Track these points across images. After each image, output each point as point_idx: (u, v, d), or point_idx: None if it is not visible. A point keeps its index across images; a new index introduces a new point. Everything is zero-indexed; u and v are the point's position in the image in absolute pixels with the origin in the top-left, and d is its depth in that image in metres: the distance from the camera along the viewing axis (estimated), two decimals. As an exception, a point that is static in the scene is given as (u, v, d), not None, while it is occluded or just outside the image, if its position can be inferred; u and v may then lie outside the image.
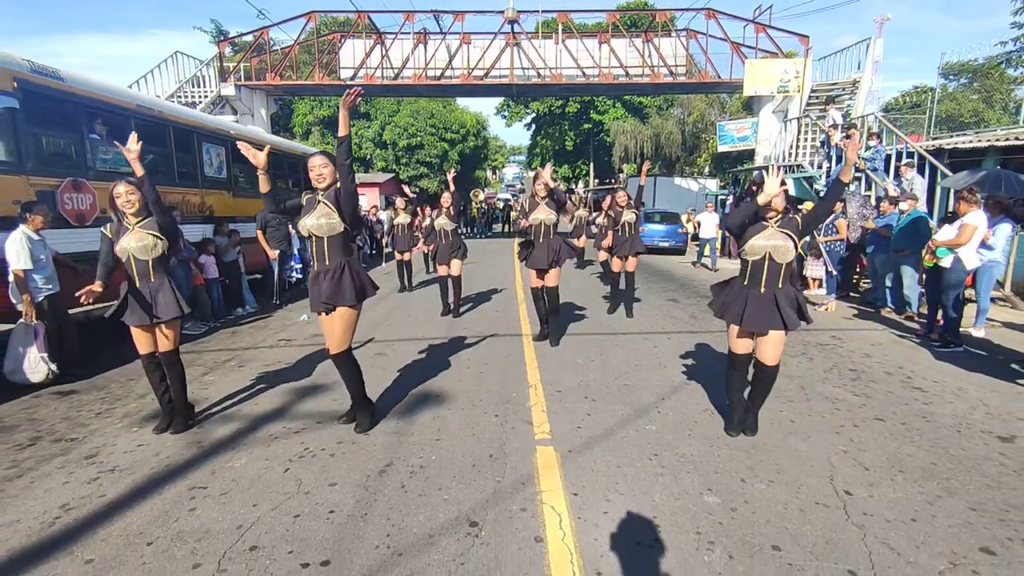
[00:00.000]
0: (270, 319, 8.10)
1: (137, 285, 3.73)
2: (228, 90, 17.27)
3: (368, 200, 23.14)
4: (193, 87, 17.31)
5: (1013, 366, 5.37)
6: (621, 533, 2.61)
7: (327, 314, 3.65)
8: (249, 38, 18.74)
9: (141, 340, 3.82)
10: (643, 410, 4.19)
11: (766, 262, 3.42)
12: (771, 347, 3.49)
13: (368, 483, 3.10)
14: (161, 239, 3.74)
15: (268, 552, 2.49)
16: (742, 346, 3.63)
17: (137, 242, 3.67)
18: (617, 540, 2.56)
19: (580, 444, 3.59)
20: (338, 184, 3.57)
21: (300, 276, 10.33)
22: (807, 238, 10.20)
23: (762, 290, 3.44)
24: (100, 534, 2.67)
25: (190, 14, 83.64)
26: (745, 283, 3.53)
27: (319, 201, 3.57)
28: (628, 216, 7.73)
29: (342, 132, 3.41)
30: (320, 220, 3.53)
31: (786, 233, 3.37)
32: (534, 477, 3.15)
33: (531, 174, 63.28)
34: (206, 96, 17.10)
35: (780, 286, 3.43)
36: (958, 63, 26.56)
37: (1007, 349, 6.04)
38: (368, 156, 32.79)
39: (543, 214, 5.93)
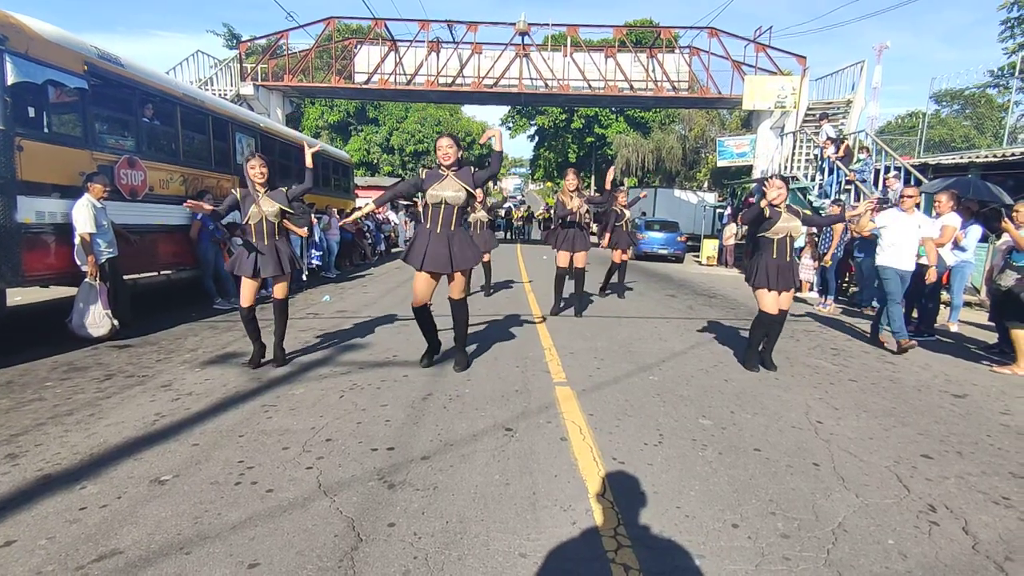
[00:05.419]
0: (294, 300, 8.60)
1: (261, 243, 4.48)
2: (247, 89, 17.92)
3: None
4: (205, 86, 17.91)
5: (976, 351, 5.95)
6: (630, 437, 3.17)
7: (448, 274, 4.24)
8: (263, 41, 19.45)
9: (248, 291, 4.54)
10: (646, 367, 4.76)
11: (787, 239, 4.60)
12: (788, 299, 4.76)
13: (414, 404, 3.65)
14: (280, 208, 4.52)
15: (341, 442, 3.04)
16: (774, 307, 4.67)
17: (267, 207, 4.41)
18: (627, 441, 3.12)
19: (593, 386, 4.15)
20: (473, 169, 4.29)
21: (319, 263, 10.92)
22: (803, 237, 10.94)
23: (787, 259, 4.63)
24: (196, 431, 3.21)
25: (198, 16, 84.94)
26: (774, 256, 4.60)
27: (448, 176, 4.13)
28: (629, 214, 8.43)
29: (498, 148, 4.23)
30: (458, 192, 4.11)
31: (794, 213, 4.70)
32: (555, 404, 3.71)
33: (532, 186, 66.82)
34: (215, 94, 17.66)
35: (789, 258, 4.66)
36: (947, 90, 27.52)
37: (977, 340, 6.63)
38: (375, 160, 33.50)
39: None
